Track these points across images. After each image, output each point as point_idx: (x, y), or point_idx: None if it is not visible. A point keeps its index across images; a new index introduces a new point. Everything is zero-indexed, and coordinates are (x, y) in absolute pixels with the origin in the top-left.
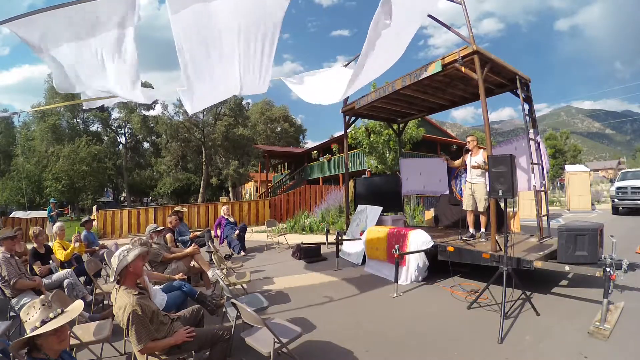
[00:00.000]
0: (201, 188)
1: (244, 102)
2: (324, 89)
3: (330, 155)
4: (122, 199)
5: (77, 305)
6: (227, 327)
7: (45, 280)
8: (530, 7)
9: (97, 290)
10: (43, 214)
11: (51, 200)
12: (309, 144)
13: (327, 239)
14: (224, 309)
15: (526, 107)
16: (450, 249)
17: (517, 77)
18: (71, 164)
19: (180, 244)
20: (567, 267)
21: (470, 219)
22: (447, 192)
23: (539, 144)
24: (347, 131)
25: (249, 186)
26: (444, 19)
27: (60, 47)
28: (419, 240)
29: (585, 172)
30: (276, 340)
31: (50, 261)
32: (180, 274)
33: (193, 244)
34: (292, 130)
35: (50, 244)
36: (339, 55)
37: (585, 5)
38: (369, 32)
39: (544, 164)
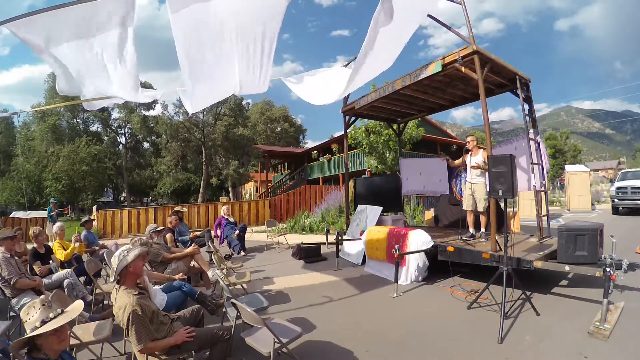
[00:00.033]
0: (201, 188)
1: (244, 102)
2: (324, 89)
3: (330, 155)
4: (122, 199)
5: (77, 305)
6: (227, 327)
7: (45, 280)
8: (530, 7)
9: (97, 290)
10: (43, 214)
11: (51, 200)
12: (309, 144)
13: (327, 239)
14: (224, 309)
15: (526, 107)
16: (450, 249)
17: (517, 77)
18: (71, 164)
19: (180, 244)
20: (567, 267)
21: (470, 219)
22: (447, 192)
23: (539, 144)
24: (347, 131)
25: (249, 186)
26: (444, 19)
27: (61, 47)
28: (419, 240)
29: (585, 172)
30: (276, 340)
31: (50, 261)
32: (180, 274)
33: (193, 244)
34: (292, 130)
35: (50, 244)
36: (339, 55)
37: (585, 5)
38: (369, 31)
39: (544, 164)
